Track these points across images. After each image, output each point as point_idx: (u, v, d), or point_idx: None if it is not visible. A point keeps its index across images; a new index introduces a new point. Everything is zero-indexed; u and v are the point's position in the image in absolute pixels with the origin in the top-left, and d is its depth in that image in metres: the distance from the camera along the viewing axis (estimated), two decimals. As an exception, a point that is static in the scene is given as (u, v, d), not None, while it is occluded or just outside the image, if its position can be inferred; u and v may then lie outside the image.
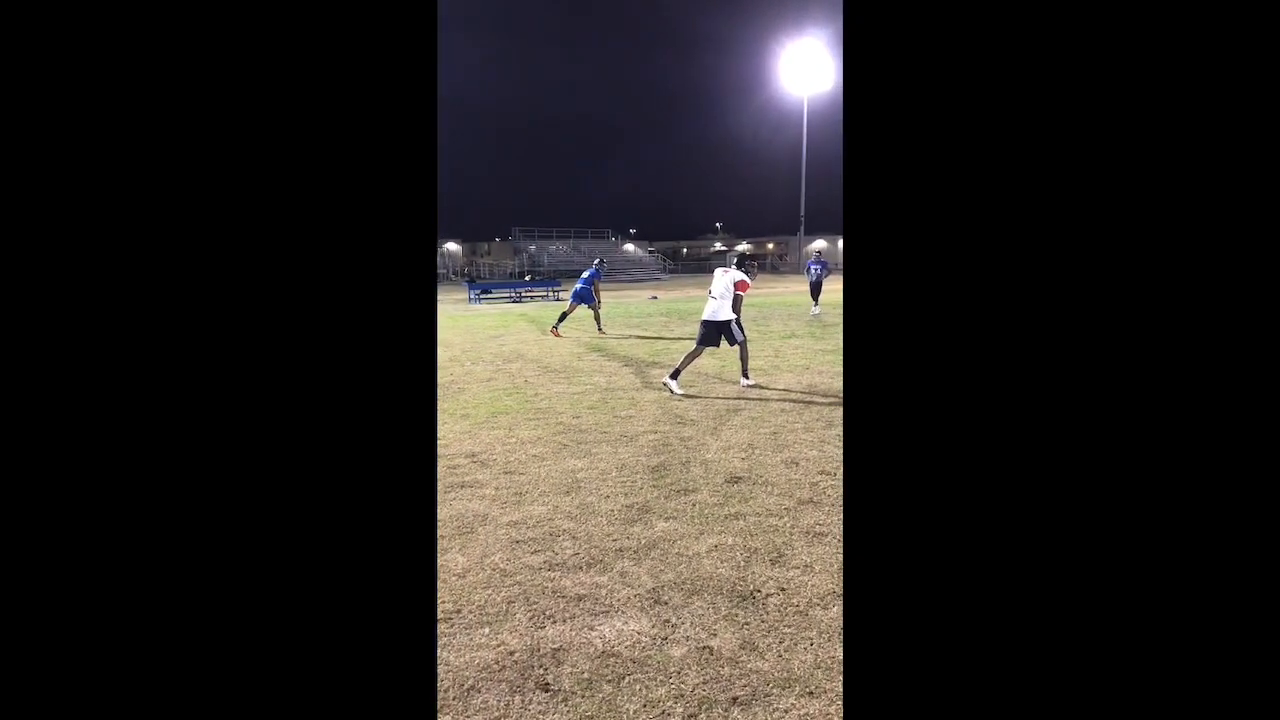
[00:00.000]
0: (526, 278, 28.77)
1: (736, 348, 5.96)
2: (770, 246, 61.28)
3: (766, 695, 1.73)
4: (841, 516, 2.91)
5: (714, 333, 5.86)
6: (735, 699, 1.71)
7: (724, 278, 5.90)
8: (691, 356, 5.96)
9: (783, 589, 2.28)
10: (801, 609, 2.15)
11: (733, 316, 5.87)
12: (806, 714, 1.65)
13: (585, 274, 11.00)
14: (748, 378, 6.06)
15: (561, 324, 10.46)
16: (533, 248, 46.58)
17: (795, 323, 11.58)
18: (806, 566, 2.44)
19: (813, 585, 2.30)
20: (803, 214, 50.12)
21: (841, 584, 2.30)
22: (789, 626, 2.05)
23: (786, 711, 1.66)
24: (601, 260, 12.47)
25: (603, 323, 10.99)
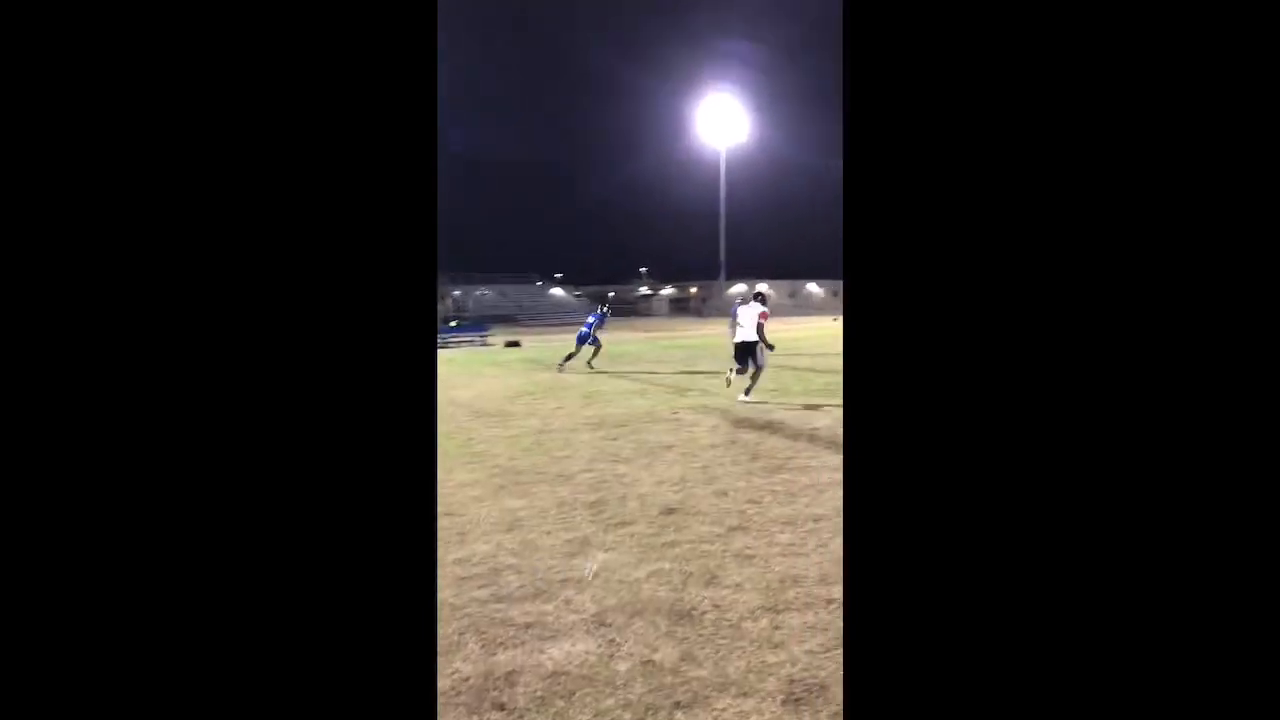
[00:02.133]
0: (452, 324, 28.42)
1: (753, 369, 7.41)
2: (693, 290, 62.92)
3: (705, 698, 1.90)
4: (767, 540, 3.15)
5: (743, 352, 7.41)
6: (678, 703, 1.88)
7: (749, 311, 7.44)
8: (752, 375, 7.50)
9: (717, 606, 2.47)
10: (734, 623, 2.34)
11: (757, 338, 7.34)
12: (741, 711, 1.84)
13: (590, 319, 12.20)
14: (748, 395, 7.39)
15: (567, 363, 11.76)
16: (457, 292, 46.14)
17: (719, 363, 12.03)
18: (737, 586, 2.65)
19: (744, 601, 2.51)
20: (723, 259, 52.03)
21: (769, 600, 2.52)
22: (724, 638, 2.24)
23: (723, 710, 1.84)
24: (606, 307, 13.17)
25: (592, 359, 11.97)
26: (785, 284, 62.30)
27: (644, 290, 66.22)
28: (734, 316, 7.62)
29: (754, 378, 7.46)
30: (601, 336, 12.25)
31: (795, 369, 10.84)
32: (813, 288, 62.00)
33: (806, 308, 54.93)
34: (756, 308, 7.43)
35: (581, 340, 11.99)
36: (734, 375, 7.54)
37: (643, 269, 72.09)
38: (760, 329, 7.35)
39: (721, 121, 52.02)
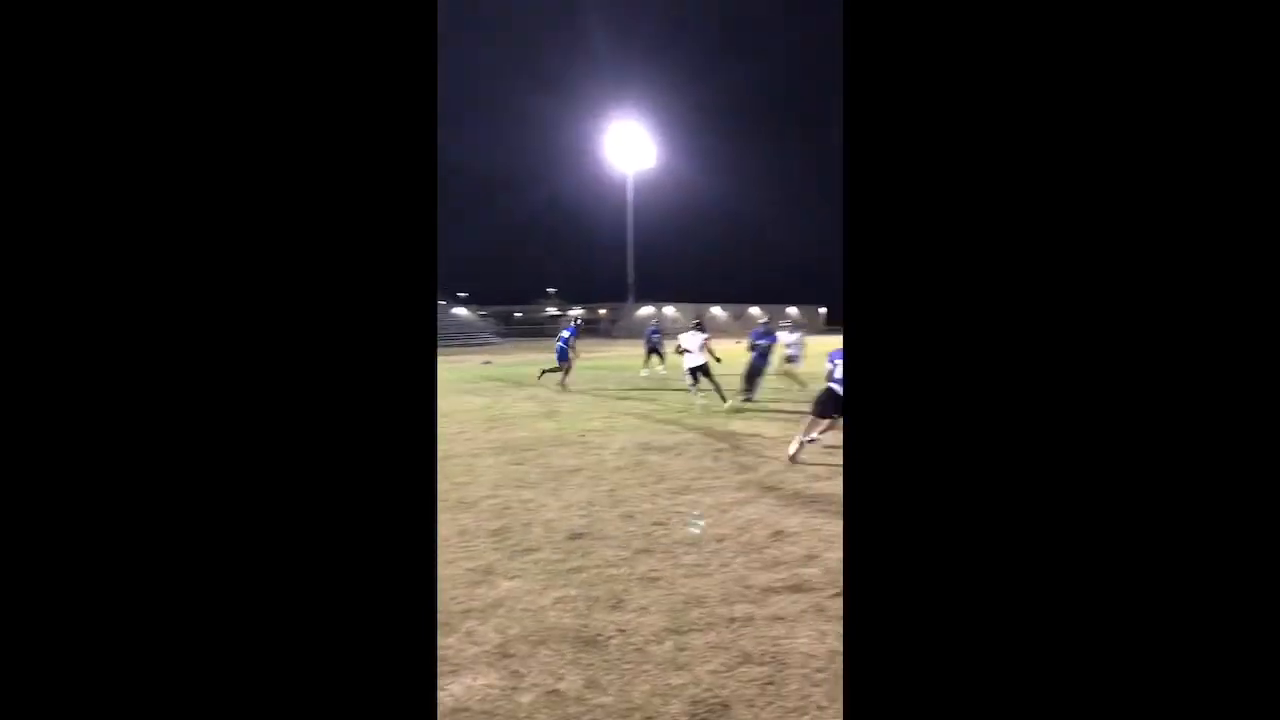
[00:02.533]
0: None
1: (706, 384, 8.68)
2: (602, 312, 63.23)
3: (610, 725, 1.89)
4: (673, 562, 3.18)
5: (696, 372, 8.70)
6: (582, 733, 1.86)
7: (693, 338, 8.74)
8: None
9: (622, 630, 2.47)
10: (639, 646, 2.35)
11: (706, 359, 8.71)
12: (646, 736, 1.84)
13: (565, 333, 11.98)
14: (724, 401, 8.60)
15: (545, 375, 12.12)
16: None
17: (626, 385, 12.10)
18: (643, 609, 2.66)
19: (649, 625, 2.52)
20: (631, 281, 52.63)
21: (673, 621, 2.54)
22: (628, 663, 2.24)
23: (628, 736, 1.84)
24: (578, 320, 13.24)
25: (564, 379, 11.79)
26: (691, 307, 63.74)
27: (552, 310, 65.87)
28: (677, 343, 9.00)
29: (716, 389, 8.65)
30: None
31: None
32: (717, 311, 63.78)
33: (710, 330, 56.47)
34: (699, 335, 8.77)
35: (561, 356, 11.83)
36: (695, 391, 8.83)
37: (551, 289, 71.79)
38: (708, 349, 8.82)
39: (629, 147, 52.96)
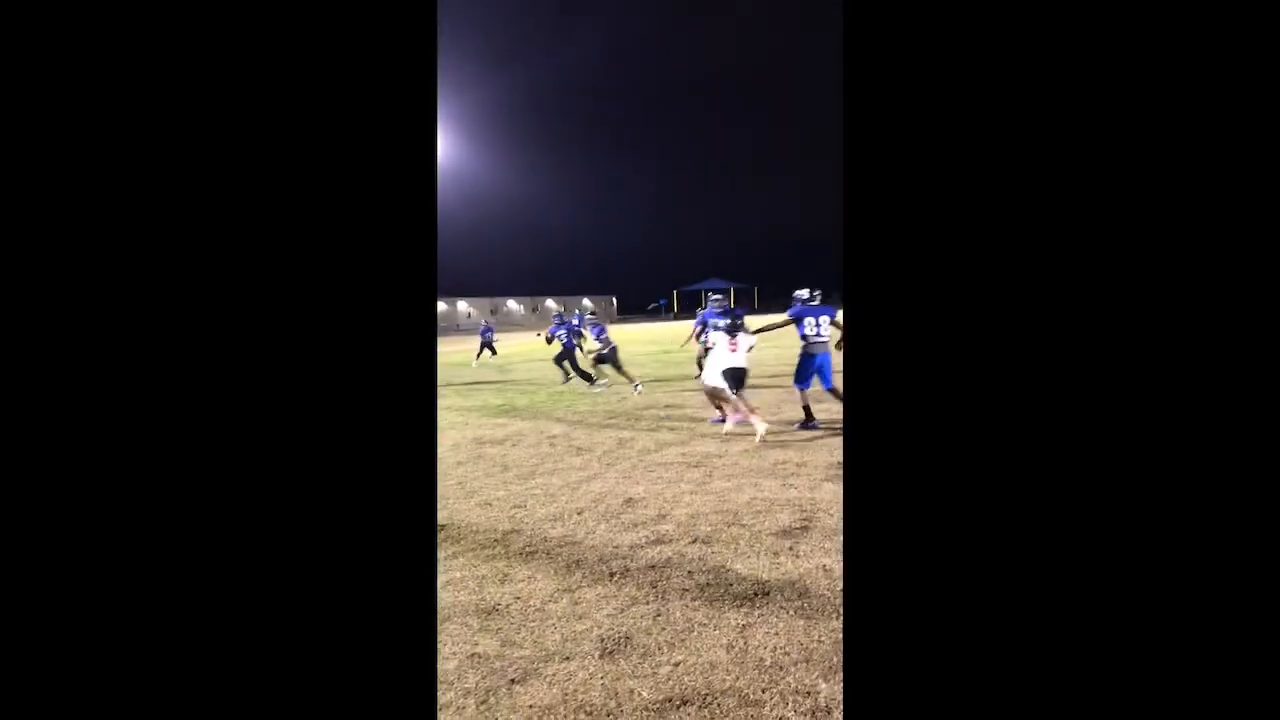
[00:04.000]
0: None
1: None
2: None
3: (535, 669, 2.15)
4: (542, 537, 3.46)
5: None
6: (513, 680, 2.10)
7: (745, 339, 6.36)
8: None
9: (518, 598, 2.72)
10: (538, 607, 2.62)
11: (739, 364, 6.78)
12: (568, 671, 2.13)
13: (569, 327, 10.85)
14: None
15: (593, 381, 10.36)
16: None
17: (442, 383, 11.87)
18: (530, 578, 2.92)
19: (540, 590, 2.79)
20: (421, 276, 50.35)
21: (563, 583, 2.84)
22: (533, 621, 2.50)
23: (554, 674, 2.12)
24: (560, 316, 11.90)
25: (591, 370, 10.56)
26: (486, 301, 62.53)
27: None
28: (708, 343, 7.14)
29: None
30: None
31: (515, 383, 11.24)
32: (512, 304, 63.32)
33: (508, 324, 55.92)
34: (723, 337, 7.58)
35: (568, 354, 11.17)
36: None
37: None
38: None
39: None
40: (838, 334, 5.95)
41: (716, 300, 7.70)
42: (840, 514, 3.46)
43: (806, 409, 5.85)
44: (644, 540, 3.32)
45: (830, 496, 3.85)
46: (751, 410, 5.57)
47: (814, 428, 5.78)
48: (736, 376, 5.61)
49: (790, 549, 3.07)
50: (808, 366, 5.89)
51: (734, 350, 5.64)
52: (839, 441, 5.19)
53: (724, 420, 6.00)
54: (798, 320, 5.93)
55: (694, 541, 3.25)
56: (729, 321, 5.80)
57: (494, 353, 16.20)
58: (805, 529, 3.33)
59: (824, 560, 2.91)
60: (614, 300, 71.52)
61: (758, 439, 5.36)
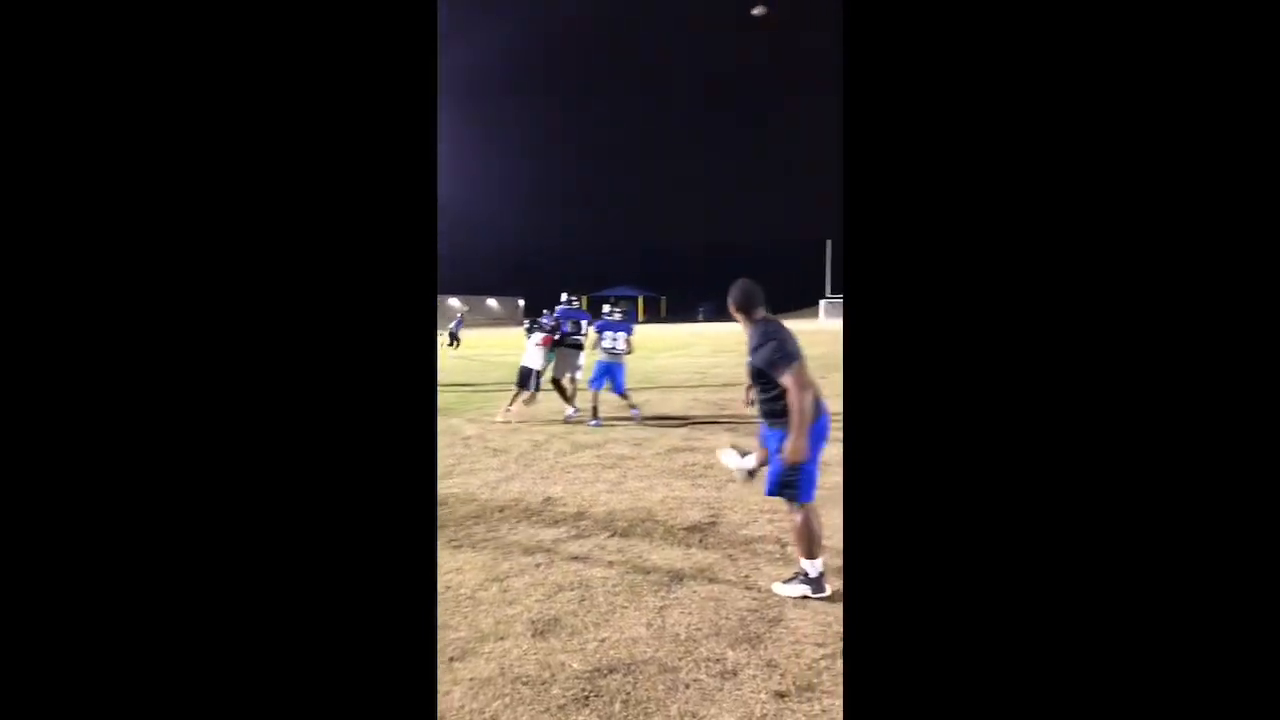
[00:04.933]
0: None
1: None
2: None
3: (473, 649, 2.34)
4: (465, 533, 3.60)
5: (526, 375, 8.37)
6: (452, 658, 2.28)
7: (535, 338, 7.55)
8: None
9: (449, 587, 2.87)
10: (470, 594, 2.79)
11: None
12: (504, 649, 2.34)
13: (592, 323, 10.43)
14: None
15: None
16: None
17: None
18: (458, 570, 3.07)
19: (470, 579, 2.95)
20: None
21: (491, 574, 3.01)
22: (466, 607, 2.67)
23: (490, 652, 2.32)
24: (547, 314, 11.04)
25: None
26: (470, 299, 60.05)
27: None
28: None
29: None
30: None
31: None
32: (492, 303, 61.34)
33: (489, 320, 54.24)
34: (538, 335, 8.20)
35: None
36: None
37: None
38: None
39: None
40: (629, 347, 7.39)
41: (608, 311, 8.31)
42: (743, 512, 3.83)
43: (595, 408, 6.98)
44: (566, 535, 3.54)
45: (734, 496, 4.22)
46: (516, 401, 7.15)
47: (598, 424, 6.85)
48: (525, 374, 7.08)
49: (700, 541, 3.39)
50: (603, 372, 7.06)
51: (537, 349, 7.12)
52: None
53: (575, 413, 7.17)
54: (600, 333, 7.26)
55: (613, 535, 3.51)
56: (550, 322, 7.30)
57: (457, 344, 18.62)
58: (713, 524, 3.67)
59: (730, 550, 3.24)
60: (520, 303, 70.75)
61: (499, 418, 7.06)
